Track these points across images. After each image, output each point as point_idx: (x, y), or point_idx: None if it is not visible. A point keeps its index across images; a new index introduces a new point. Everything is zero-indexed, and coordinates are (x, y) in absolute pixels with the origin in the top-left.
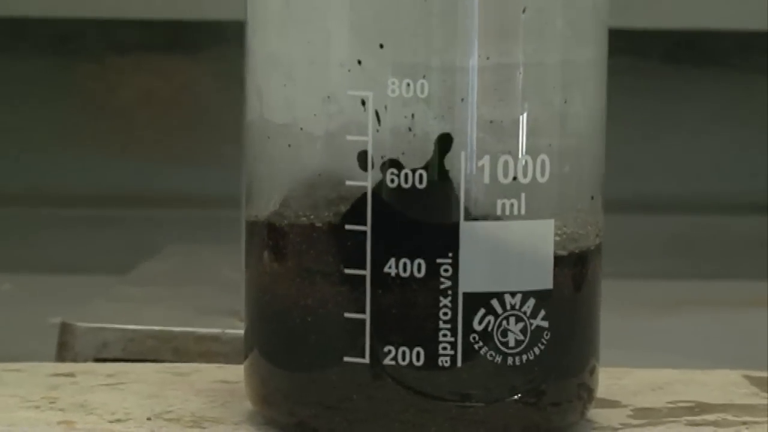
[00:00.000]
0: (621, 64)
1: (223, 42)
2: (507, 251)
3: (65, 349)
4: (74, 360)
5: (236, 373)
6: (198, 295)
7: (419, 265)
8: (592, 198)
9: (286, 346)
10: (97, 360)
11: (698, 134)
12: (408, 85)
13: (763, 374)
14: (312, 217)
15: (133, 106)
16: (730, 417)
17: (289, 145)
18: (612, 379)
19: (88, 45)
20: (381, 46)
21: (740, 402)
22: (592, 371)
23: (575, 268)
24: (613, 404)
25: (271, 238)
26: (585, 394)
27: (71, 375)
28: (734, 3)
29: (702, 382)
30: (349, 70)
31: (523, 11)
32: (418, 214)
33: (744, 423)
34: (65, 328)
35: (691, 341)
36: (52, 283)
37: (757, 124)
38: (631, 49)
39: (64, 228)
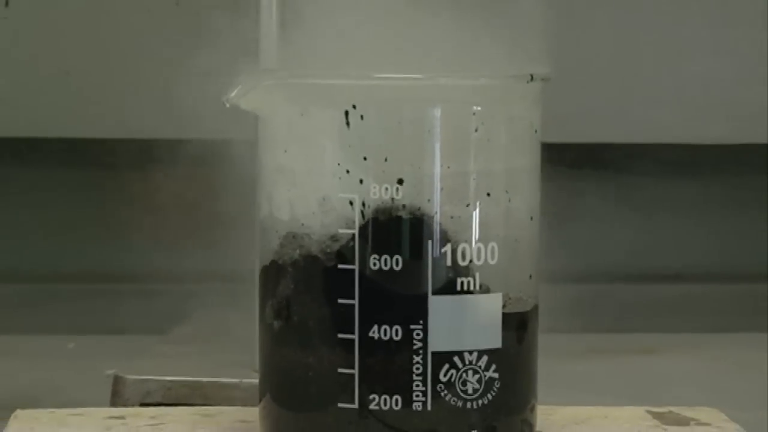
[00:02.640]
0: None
1: (234, 155)
2: (465, 318)
3: (117, 396)
4: (124, 405)
5: (253, 414)
6: (221, 351)
7: (397, 330)
8: (531, 276)
9: (292, 393)
10: (143, 405)
11: (596, 223)
12: (386, 189)
13: (662, 409)
14: (311, 293)
15: (165, 204)
16: None
17: (294, 237)
18: (544, 415)
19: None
20: (365, 158)
21: None
22: (532, 409)
23: (518, 330)
24: None
25: (279, 309)
26: (527, 428)
27: (122, 417)
28: (624, 120)
29: (615, 416)
30: (339, 178)
31: (476, 130)
32: (395, 289)
33: None
34: (117, 380)
35: (600, 382)
36: (106, 343)
37: (643, 215)
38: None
39: (116, 299)
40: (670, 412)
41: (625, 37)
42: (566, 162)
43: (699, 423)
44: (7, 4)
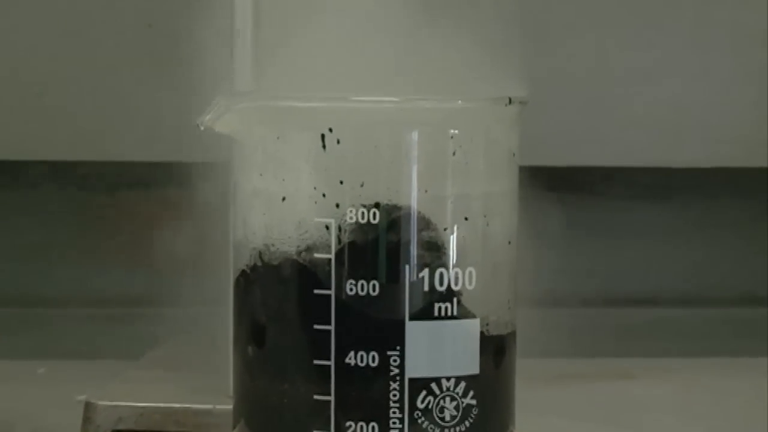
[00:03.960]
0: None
1: (211, 178)
2: (443, 344)
3: (88, 423)
4: None
5: None
6: (193, 377)
7: (373, 356)
8: (509, 301)
9: (267, 419)
10: (115, 431)
11: (570, 246)
12: (363, 213)
13: None
14: (286, 318)
15: (138, 228)
16: None
17: (268, 262)
18: None
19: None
20: (341, 182)
21: None
22: (511, 422)
23: (496, 355)
24: None
25: (254, 335)
26: None
27: None
28: (597, 144)
29: None
30: (315, 202)
31: (453, 154)
32: (372, 315)
33: None
34: (88, 406)
35: (577, 408)
36: (77, 368)
37: (617, 239)
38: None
39: (87, 324)
40: None
41: (599, 62)
42: (541, 185)
43: None
44: None
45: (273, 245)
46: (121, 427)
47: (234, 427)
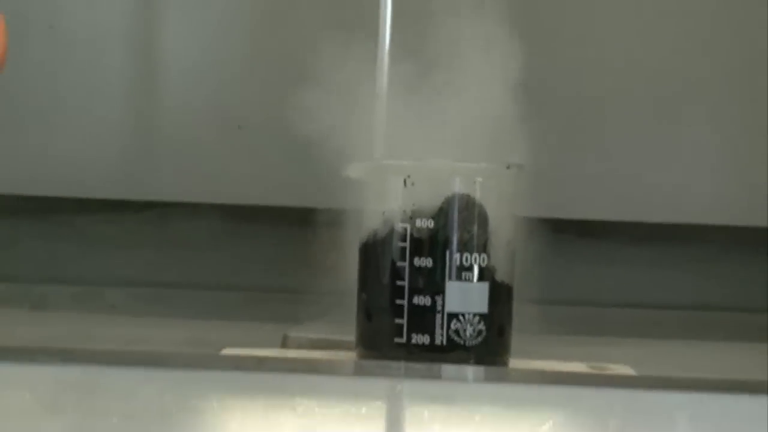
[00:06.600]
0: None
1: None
2: (467, 294)
3: (284, 345)
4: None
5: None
6: (342, 325)
7: (428, 299)
8: (507, 273)
9: (370, 337)
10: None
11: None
12: (425, 221)
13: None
14: (382, 278)
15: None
16: None
17: (374, 246)
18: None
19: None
20: (413, 204)
21: None
22: (508, 352)
23: (498, 303)
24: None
25: (364, 288)
26: (503, 363)
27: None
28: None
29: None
30: (401, 215)
31: (477, 191)
32: (428, 277)
33: None
34: (285, 337)
35: (560, 353)
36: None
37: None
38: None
39: (292, 306)
40: (600, 366)
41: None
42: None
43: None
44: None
45: (378, 238)
46: (302, 348)
47: (356, 347)
